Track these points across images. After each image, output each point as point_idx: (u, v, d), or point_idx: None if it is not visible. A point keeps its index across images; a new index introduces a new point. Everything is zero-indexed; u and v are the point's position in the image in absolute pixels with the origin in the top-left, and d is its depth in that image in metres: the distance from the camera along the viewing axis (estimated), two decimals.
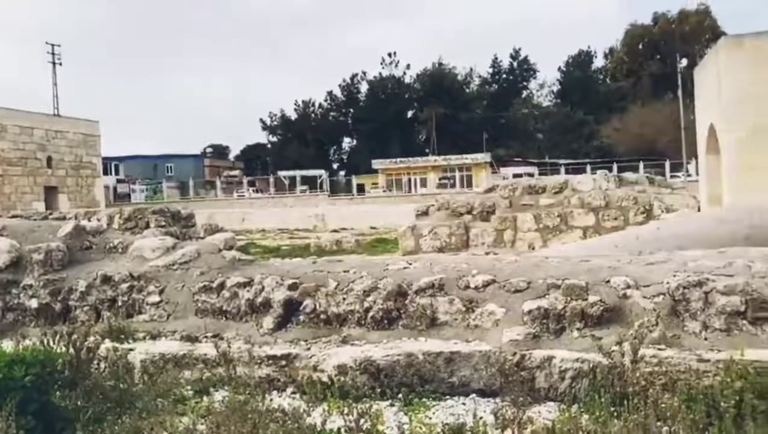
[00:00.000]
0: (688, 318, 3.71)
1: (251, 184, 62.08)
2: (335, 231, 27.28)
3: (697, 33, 62.62)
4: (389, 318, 4.34)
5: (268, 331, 4.53)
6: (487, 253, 11.33)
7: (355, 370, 3.91)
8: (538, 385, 3.64)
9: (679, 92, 49.90)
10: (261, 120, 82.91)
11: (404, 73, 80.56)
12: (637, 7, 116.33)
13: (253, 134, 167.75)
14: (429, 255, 8.11)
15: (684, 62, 56.88)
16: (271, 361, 4.15)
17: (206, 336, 4.65)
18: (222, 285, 4.90)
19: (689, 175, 39.96)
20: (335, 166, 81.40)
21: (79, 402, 3.47)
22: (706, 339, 3.58)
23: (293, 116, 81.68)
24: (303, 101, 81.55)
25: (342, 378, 3.89)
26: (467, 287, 4.34)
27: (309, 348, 4.24)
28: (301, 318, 4.54)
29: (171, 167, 72.58)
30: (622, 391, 3.21)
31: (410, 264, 4.83)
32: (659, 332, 3.64)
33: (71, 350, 3.67)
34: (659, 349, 3.49)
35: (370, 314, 4.36)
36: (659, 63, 65.19)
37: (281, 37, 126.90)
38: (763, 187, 10.43)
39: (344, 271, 4.73)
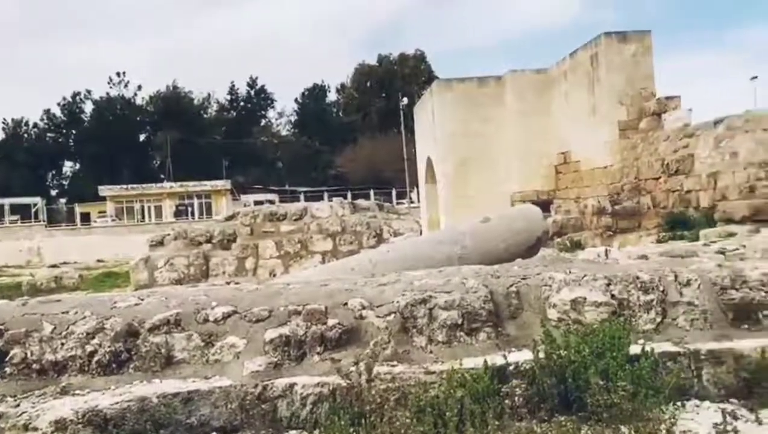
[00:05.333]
0: (416, 333, 4.01)
1: None
2: (54, 266, 24.36)
3: (415, 74, 70.08)
4: (118, 362, 3.94)
5: None
6: (228, 283, 11.04)
7: (77, 424, 3.46)
8: (281, 415, 3.60)
9: (402, 127, 55.15)
10: None
11: (135, 94, 75.97)
12: (364, 47, 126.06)
13: None
14: (165, 289, 7.61)
15: (405, 100, 63.05)
16: None
17: None
18: None
19: (412, 202, 44.17)
20: (54, 192, 72.97)
21: None
22: (431, 352, 3.90)
23: (0, 136, 71.43)
24: (13, 120, 71.86)
25: None
26: (206, 320, 4.15)
27: (18, 404, 3.64)
28: (8, 370, 3.89)
29: None
30: (360, 410, 3.33)
31: (142, 299, 4.46)
32: (391, 349, 3.88)
33: None
34: (392, 366, 3.71)
35: (96, 358, 3.92)
36: (385, 100, 71.35)
37: None
38: (470, 212, 11.91)
39: (63, 312, 4.18)
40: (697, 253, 4.81)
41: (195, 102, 77.83)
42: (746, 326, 4.09)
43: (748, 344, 3.87)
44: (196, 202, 56.91)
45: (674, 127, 13.07)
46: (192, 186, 58.07)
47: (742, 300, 4.17)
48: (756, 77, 58.93)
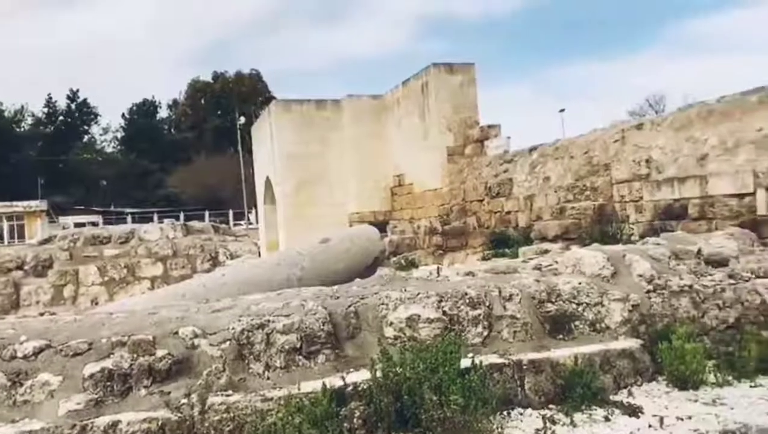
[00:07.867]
0: (252, 360, 3.89)
1: None
2: None
3: (252, 94, 69.11)
4: None
5: None
6: (42, 314, 10.01)
7: None
8: None
9: (239, 147, 54.02)
10: None
11: None
12: (197, 64, 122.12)
13: None
14: None
15: (242, 119, 61.95)
16: None
17: None
18: None
19: (250, 223, 43.29)
20: None
21: None
22: (269, 378, 3.80)
23: None
24: None
25: None
26: (14, 357, 3.71)
27: None
28: None
29: None
30: None
31: None
32: (226, 378, 3.72)
33: None
34: (227, 395, 3.56)
35: None
36: (221, 118, 69.53)
37: None
38: (309, 232, 11.91)
39: None
40: (517, 270, 5.19)
41: (6, 114, 70.38)
42: (561, 336, 4.48)
43: (562, 353, 4.23)
44: (6, 224, 51.16)
45: (495, 154, 14.13)
46: (1, 206, 52.14)
47: (557, 312, 4.56)
48: (563, 110, 66.09)
